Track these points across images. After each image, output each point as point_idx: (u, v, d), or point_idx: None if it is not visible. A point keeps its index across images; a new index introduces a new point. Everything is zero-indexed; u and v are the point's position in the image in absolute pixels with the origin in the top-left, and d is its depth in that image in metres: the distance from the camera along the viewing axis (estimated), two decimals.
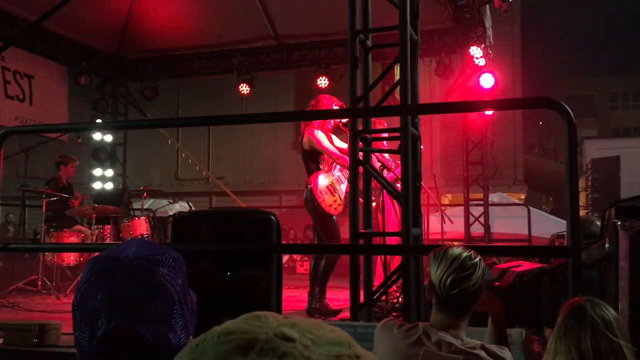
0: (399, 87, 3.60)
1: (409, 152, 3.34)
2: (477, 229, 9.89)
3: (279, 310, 3.16)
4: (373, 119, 4.70)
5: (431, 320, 2.13)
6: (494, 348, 2.06)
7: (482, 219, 9.76)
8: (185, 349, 0.58)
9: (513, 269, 4.73)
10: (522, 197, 16.11)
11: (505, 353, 2.07)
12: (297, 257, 11.01)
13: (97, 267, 1.15)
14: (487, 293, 2.25)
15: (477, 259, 2.07)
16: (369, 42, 3.80)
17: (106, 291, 1.10)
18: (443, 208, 9.94)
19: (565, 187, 2.57)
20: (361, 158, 3.62)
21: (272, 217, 3.16)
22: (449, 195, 15.58)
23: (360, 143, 3.61)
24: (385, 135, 4.27)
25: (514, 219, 10.90)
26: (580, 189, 13.37)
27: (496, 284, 4.59)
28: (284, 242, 11.59)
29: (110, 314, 1.09)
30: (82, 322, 1.11)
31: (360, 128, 3.59)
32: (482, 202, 9.93)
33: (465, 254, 2.07)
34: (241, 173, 16.80)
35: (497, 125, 12.94)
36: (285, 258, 11.05)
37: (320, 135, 4.86)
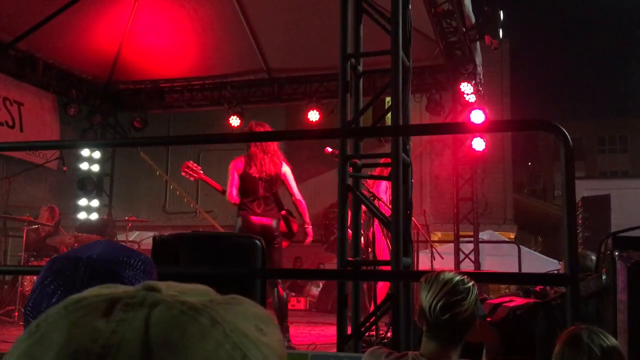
0: (389, 116, 3.54)
1: (400, 177, 3.25)
2: (467, 266, 9.76)
3: None
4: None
5: (421, 350, 2.01)
6: None
7: (472, 256, 9.65)
8: (23, 334, 0.46)
9: (505, 304, 4.60)
10: (512, 236, 16.06)
11: None
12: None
13: (54, 267, 1.02)
14: (482, 322, 2.14)
15: (470, 284, 1.98)
16: (360, 68, 3.76)
17: (63, 294, 0.98)
18: (433, 245, 9.83)
19: (563, 213, 2.48)
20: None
21: (257, 242, 3.03)
22: (439, 233, 15.49)
23: (350, 168, 3.52)
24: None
25: (504, 257, 10.80)
26: None
27: (488, 319, 4.45)
28: None
29: None
30: None
31: (350, 152, 3.52)
32: (472, 239, 9.84)
33: (457, 278, 1.98)
34: (230, 207, 16.60)
35: (487, 163, 12.96)
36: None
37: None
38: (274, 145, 4.87)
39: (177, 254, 2.98)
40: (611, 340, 1.82)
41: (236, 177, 4.95)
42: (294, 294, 10.59)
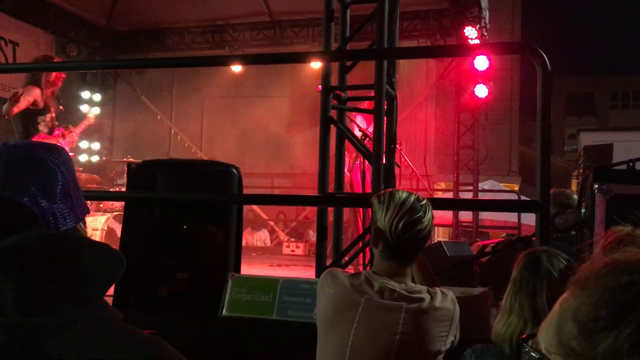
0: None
1: (382, 106, 3.18)
2: (466, 215, 9.76)
3: (237, 269, 3.00)
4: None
5: (374, 268, 2.01)
6: (439, 290, 1.97)
7: None
8: None
9: (492, 245, 4.60)
10: (516, 187, 15.96)
11: (450, 292, 1.99)
12: (283, 237, 10.86)
13: None
14: None
15: (424, 201, 1.98)
16: None
17: None
18: (434, 194, 9.81)
19: (537, 140, 2.43)
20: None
21: (234, 170, 3.01)
22: (442, 184, 15.45)
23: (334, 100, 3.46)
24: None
25: None
26: (572, 177, 13.17)
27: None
28: (275, 226, 11.44)
29: None
30: None
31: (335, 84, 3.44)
32: (471, 188, 9.80)
33: (412, 197, 1.97)
34: (233, 154, 16.59)
35: (493, 113, 12.80)
36: (271, 238, 10.92)
37: None
38: None
39: (153, 180, 2.97)
40: (571, 264, 1.78)
41: None
42: (293, 239, 10.68)
